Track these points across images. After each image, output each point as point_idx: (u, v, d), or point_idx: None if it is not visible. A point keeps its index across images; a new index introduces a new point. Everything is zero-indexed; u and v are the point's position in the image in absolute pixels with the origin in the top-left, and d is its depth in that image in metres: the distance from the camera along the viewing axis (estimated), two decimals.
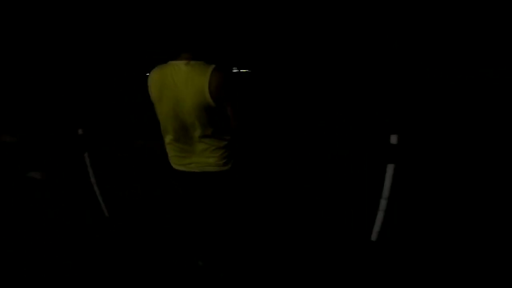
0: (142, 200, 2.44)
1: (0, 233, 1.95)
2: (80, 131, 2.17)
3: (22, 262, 1.62)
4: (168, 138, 1.29)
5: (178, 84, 1.17)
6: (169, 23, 1.19)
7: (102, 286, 1.51)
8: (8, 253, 1.70)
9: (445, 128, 3.39)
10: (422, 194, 2.24)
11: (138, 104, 2.87)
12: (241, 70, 5.23)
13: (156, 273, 1.58)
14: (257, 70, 5.20)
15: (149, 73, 1.25)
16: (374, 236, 1.74)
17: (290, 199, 2.27)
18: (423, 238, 1.77)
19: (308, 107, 4.43)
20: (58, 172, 2.91)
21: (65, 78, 4.64)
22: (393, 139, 1.56)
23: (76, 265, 1.63)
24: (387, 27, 4.38)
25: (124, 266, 1.63)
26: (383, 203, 1.70)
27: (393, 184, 1.66)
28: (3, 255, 1.68)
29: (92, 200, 2.20)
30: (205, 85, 1.14)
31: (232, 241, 1.39)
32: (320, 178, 2.54)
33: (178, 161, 1.31)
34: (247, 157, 1.33)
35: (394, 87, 4.28)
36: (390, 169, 1.65)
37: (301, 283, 1.49)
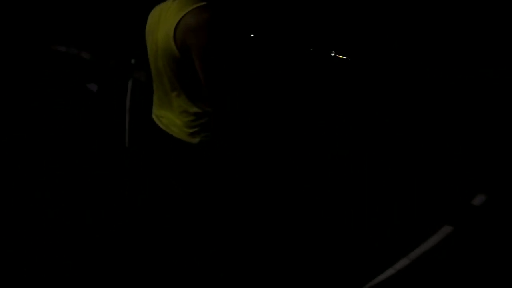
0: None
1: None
2: (132, 61, 2.48)
3: None
4: (153, 83, 1.10)
5: (159, 23, 0.96)
6: None
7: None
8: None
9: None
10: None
11: None
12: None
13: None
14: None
15: None
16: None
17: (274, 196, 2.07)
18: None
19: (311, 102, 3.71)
20: (106, 91, 3.33)
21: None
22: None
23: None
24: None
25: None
26: None
27: None
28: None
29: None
30: (173, 25, 0.88)
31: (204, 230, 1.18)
32: (316, 178, 2.34)
33: (154, 109, 1.13)
34: (229, 143, 1.05)
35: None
36: None
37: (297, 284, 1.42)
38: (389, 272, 1.45)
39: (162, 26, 0.94)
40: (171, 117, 1.02)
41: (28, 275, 1.41)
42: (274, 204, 1.97)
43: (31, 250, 1.52)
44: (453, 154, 2.62)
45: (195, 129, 0.98)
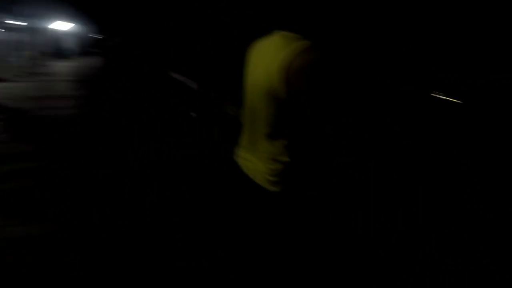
0: None
1: None
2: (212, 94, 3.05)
3: None
4: (243, 119, 1.05)
5: (260, 58, 0.91)
6: None
7: None
8: None
9: None
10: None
11: None
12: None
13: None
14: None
15: None
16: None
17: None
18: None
19: None
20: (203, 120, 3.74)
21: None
22: None
23: None
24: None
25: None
26: None
27: None
28: None
29: None
30: (278, 65, 0.82)
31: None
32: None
33: (240, 151, 1.05)
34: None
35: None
36: None
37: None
38: None
39: (263, 63, 0.88)
40: (257, 162, 0.96)
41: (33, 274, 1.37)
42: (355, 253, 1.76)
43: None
44: None
45: (278, 178, 0.91)
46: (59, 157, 2.80)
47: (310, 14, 0.89)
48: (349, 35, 0.95)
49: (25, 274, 1.39)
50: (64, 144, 3.11)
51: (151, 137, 3.43)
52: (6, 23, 8.05)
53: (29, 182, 2.26)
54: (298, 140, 0.90)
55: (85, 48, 18.66)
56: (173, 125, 3.95)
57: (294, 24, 0.88)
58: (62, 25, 13.51)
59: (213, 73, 4.21)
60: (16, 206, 1.95)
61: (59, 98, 5.35)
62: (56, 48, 13.32)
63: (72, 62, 12.40)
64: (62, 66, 10.56)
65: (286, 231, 0.98)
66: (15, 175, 2.36)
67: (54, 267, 1.43)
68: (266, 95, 0.88)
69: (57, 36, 13.79)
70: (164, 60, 6.49)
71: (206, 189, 2.30)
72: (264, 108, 0.90)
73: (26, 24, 9.70)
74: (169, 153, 2.98)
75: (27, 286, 1.34)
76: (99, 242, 1.65)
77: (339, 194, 1.06)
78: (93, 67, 10.54)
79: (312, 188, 0.95)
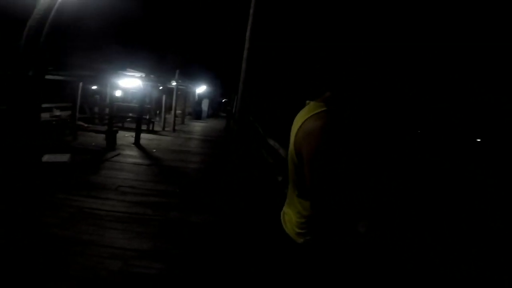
0: None
1: None
2: None
3: None
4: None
5: (293, 126, 1.01)
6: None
7: None
8: None
9: None
10: None
11: None
12: None
13: None
14: None
15: None
16: None
17: None
18: None
19: None
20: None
21: None
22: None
23: None
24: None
25: None
26: None
27: None
28: None
29: None
30: (296, 129, 0.93)
31: None
32: None
33: (284, 206, 1.17)
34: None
35: None
36: None
37: None
38: None
39: (292, 130, 1.00)
40: (291, 215, 1.07)
41: None
42: None
43: None
44: None
45: (302, 231, 1.01)
46: (184, 197, 3.61)
47: (334, 86, 0.97)
48: (368, 106, 0.98)
49: None
50: (189, 189, 3.92)
51: (244, 195, 3.80)
52: (168, 85, 11.06)
53: (150, 211, 2.88)
54: (312, 198, 0.95)
55: (215, 111, 22.87)
56: (263, 187, 4.26)
57: (324, 91, 0.97)
58: (203, 89, 17.32)
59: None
60: (132, 227, 2.51)
61: (190, 153, 6.73)
62: (195, 110, 16.99)
63: (204, 122, 15.51)
64: (197, 126, 13.36)
65: (310, 281, 1.03)
66: (150, 205, 3.16)
67: None
68: (291, 157, 1.00)
69: (197, 99, 17.68)
70: (265, 127, 7.22)
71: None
72: (291, 167, 1.02)
73: (182, 86, 13.08)
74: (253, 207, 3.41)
75: None
76: None
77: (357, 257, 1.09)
78: (217, 129, 12.86)
79: (333, 243, 0.99)
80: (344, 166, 0.88)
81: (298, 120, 0.95)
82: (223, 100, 25.63)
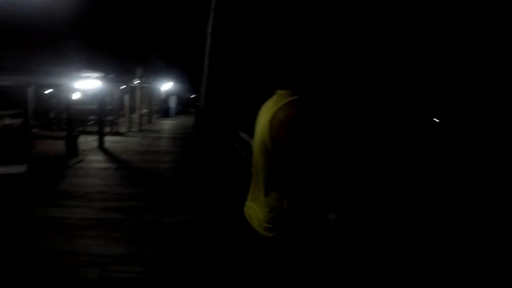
0: None
1: None
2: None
3: None
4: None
5: (261, 116, 1.03)
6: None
7: None
8: None
9: None
10: None
11: None
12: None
13: None
14: None
15: None
16: None
17: None
18: None
19: None
20: None
21: None
22: None
23: None
24: None
25: None
26: None
27: None
28: None
29: None
30: (269, 119, 0.94)
31: None
32: None
33: (247, 200, 1.16)
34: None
35: None
36: None
37: None
38: None
39: (261, 120, 1.01)
40: (257, 209, 1.05)
41: None
42: None
43: None
44: None
45: (271, 225, 1.00)
46: (156, 198, 3.64)
47: (302, 74, 1.00)
48: (335, 93, 1.03)
49: None
50: (160, 189, 3.95)
51: (218, 190, 3.90)
52: (130, 84, 10.71)
53: (121, 216, 3.01)
54: (289, 191, 0.98)
55: (184, 107, 22.40)
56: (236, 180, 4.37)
57: (291, 83, 1.00)
58: (169, 86, 16.93)
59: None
60: (104, 233, 2.63)
61: (160, 153, 6.69)
62: (162, 107, 16.60)
63: (173, 120, 15.24)
64: (165, 124, 13.13)
65: (279, 274, 1.05)
66: (121, 210, 3.19)
67: None
68: (261, 148, 1.00)
69: (164, 96, 17.27)
70: (236, 119, 7.42)
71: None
72: (261, 161, 1.01)
73: (146, 84, 12.68)
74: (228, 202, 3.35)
75: None
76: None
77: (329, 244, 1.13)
78: (186, 126, 12.74)
79: (304, 235, 1.01)
80: (322, 152, 0.93)
81: (269, 110, 0.96)
82: (192, 96, 25.18)
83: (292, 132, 0.90)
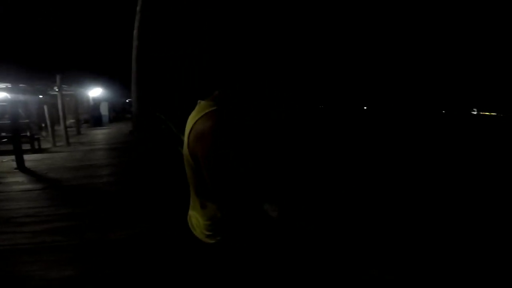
0: None
1: None
2: None
3: None
4: None
5: (186, 128, 0.98)
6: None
7: None
8: None
9: None
10: None
11: None
12: None
13: None
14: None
15: None
16: None
17: None
18: None
19: None
20: None
21: None
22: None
23: None
24: None
25: None
26: None
27: None
28: None
29: None
30: (188, 131, 0.92)
31: None
32: None
33: (189, 209, 1.15)
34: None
35: None
36: None
37: None
38: None
39: (186, 131, 0.95)
40: (198, 218, 1.06)
41: None
42: None
43: None
44: None
45: (211, 232, 1.02)
46: (97, 216, 3.44)
47: (221, 82, 0.98)
48: (253, 102, 1.03)
49: None
50: (100, 206, 3.74)
51: (165, 197, 3.94)
52: (50, 92, 9.62)
53: (60, 238, 2.87)
54: (218, 202, 0.98)
55: (119, 113, 20.82)
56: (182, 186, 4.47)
57: (213, 90, 0.98)
58: (98, 92, 15.59)
59: None
60: (44, 256, 2.49)
61: (95, 167, 6.26)
62: (93, 116, 15.23)
63: (106, 128, 14.11)
64: (98, 134, 12.10)
65: (226, 280, 1.06)
66: (57, 231, 3.01)
67: None
68: (185, 160, 0.97)
69: (94, 103, 15.84)
70: (178, 123, 7.36)
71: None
72: (188, 174, 1.00)
73: (69, 92, 11.48)
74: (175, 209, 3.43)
75: None
76: None
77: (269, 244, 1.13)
78: (122, 133, 11.97)
79: (244, 239, 1.02)
80: (240, 163, 0.89)
81: (190, 122, 0.93)
82: (127, 100, 23.48)
83: (208, 146, 0.86)
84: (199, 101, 0.98)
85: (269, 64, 1.05)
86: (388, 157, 7.71)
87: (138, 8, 7.13)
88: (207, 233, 1.04)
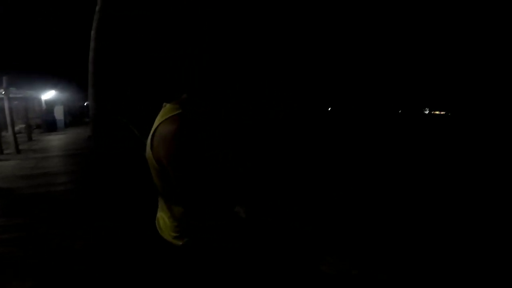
0: None
1: None
2: None
3: None
4: None
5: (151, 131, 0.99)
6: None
7: None
8: None
9: None
10: None
11: None
12: None
13: None
14: None
15: None
16: None
17: None
18: None
19: None
20: None
21: None
22: None
23: None
24: None
25: None
26: None
27: None
28: None
29: None
30: (151, 134, 0.92)
31: None
32: None
33: (157, 211, 1.15)
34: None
35: None
36: None
37: None
38: None
39: (150, 134, 0.94)
40: (165, 219, 1.06)
41: None
42: None
43: None
44: None
45: (178, 234, 1.02)
46: (57, 225, 3.31)
47: (190, 87, 0.97)
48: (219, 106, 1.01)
49: None
50: (52, 217, 3.58)
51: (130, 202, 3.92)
52: None
53: (15, 249, 2.78)
54: (184, 204, 0.98)
55: (76, 117, 19.58)
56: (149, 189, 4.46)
57: (180, 94, 0.98)
58: (52, 95, 14.58)
59: None
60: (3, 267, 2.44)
61: (50, 175, 5.93)
62: (46, 120, 14.19)
63: (61, 134, 13.24)
64: (52, 140, 11.32)
65: (197, 281, 1.05)
66: (10, 242, 2.90)
67: None
68: (150, 164, 0.96)
69: (47, 107, 14.77)
70: (141, 127, 7.20)
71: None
72: (154, 177, 0.99)
73: (19, 95, 10.61)
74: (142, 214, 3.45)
75: None
76: None
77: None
78: (80, 139, 11.34)
79: (212, 239, 1.02)
80: (204, 166, 0.89)
81: (154, 124, 0.93)
82: (85, 104, 22.16)
83: (171, 149, 0.87)
84: (164, 104, 0.98)
85: (263, 65, 1.08)
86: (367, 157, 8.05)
87: (97, 8, 6.88)
88: (175, 234, 1.04)
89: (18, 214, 3.76)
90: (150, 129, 0.92)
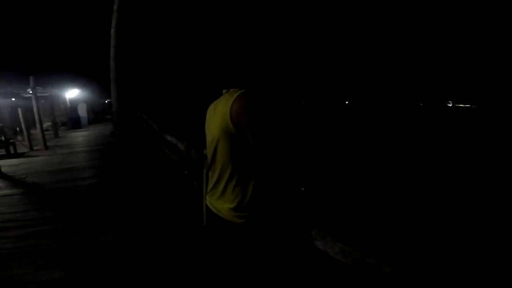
0: None
1: None
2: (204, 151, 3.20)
3: None
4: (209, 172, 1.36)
5: (215, 112, 1.26)
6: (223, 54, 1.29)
7: None
8: None
9: None
10: None
11: None
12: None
13: None
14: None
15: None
16: None
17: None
18: None
19: None
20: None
21: None
22: None
23: None
24: None
25: None
26: None
27: None
28: None
29: None
30: (227, 109, 1.18)
31: None
32: None
33: (208, 196, 1.33)
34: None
35: None
36: None
37: None
38: None
39: (218, 114, 1.23)
40: (222, 201, 1.23)
41: None
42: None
43: None
44: None
45: (240, 212, 1.20)
46: (82, 218, 3.43)
47: (245, 76, 1.29)
48: (271, 86, 1.35)
49: None
50: (84, 209, 3.72)
51: (154, 196, 4.01)
52: (23, 95, 9.26)
53: (45, 241, 2.89)
54: (248, 168, 1.20)
55: (98, 114, 20.26)
56: (171, 183, 4.56)
57: (236, 84, 1.29)
58: (75, 93, 15.14)
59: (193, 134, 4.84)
60: (31, 260, 2.50)
61: (76, 170, 6.16)
62: (70, 118, 14.77)
63: (85, 130, 13.74)
64: (77, 136, 11.77)
65: (250, 255, 1.21)
66: (42, 235, 3.02)
67: None
68: (223, 136, 1.21)
69: (71, 105, 15.37)
70: (160, 123, 7.32)
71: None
72: (223, 146, 1.22)
73: (45, 94, 11.06)
74: (168, 207, 3.53)
75: None
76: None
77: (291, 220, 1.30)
78: (103, 135, 11.72)
79: (271, 215, 1.20)
80: (269, 121, 1.17)
81: (225, 104, 1.20)
82: (106, 101, 22.82)
83: (249, 113, 1.16)
84: (225, 90, 1.30)
85: (271, 63, 1.33)
86: (373, 150, 7.93)
87: (115, 7, 7.05)
88: (236, 213, 1.21)
89: (48, 208, 3.93)
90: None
